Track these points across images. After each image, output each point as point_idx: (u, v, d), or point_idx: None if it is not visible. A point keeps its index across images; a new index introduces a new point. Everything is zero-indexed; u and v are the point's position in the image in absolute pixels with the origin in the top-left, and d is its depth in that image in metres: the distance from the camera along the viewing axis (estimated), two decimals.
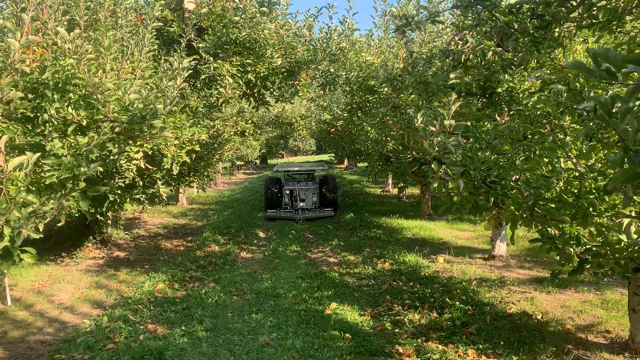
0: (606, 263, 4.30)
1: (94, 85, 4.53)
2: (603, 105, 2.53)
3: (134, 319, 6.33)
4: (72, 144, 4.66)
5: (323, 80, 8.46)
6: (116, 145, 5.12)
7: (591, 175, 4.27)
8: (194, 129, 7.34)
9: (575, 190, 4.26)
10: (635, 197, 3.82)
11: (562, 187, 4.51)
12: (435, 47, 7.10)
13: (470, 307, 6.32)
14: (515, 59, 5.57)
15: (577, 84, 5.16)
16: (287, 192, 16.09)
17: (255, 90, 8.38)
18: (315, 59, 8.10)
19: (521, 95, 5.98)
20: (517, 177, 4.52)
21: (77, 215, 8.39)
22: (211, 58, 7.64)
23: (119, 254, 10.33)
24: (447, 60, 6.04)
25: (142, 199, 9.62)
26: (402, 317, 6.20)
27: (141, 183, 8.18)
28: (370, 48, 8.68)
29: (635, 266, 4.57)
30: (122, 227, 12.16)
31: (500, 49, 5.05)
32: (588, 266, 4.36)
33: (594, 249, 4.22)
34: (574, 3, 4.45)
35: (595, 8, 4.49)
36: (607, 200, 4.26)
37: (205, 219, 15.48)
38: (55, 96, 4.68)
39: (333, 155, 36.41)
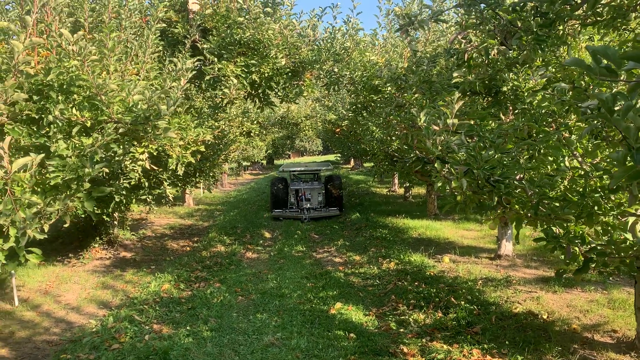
0: (611, 262, 4.27)
1: (98, 86, 4.56)
2: (604, 103, 2.52)
3: (140, 319, 6.36)
4: (77, 145, 4.69)
5: (327, 80, 8.47)
6: (121, 146, 5.14)
7: (596, 173, 4.24)
8: (199, 129, 7.36)
9: (580, 189, 4.24)
10: None
11: (567, 186, 4.48)
12: (440, 46, 7.09)
13: (475, 307, 6.30)
14: (519, 57, 5.55)
15: (582, 82, 5.14)
16: (293, 191, 16.14)
17: (259, 91, 8.40)
18: (319, 59, 8.11)
19: (526, 94, 5.95)
20: (521, 176, 4.51)
21: (83, 216, 8.45)
22: (215, 59, 7.66)
23: (125, 254, 10.37)
24: (452, 59, 6.03)
25: (148, 199, 9.65)
26: (407, 317, 6.18)
27: (147, 184, 8.21)
28: (375, 48, 8.68)
29: None
30: (128, 228, 12.21)
31: (504, 47, 5.03)
32: (593, 265, 4.33)
33: (599, 247, 4.19)
34: (578, 0, 4.42)
35: (599, 5, 4.46)
36: (613, 198, 4.23)
37: (212, 219, 15.52)
38: (60, 98, 4.71)
39: (339, 155, 36.42)
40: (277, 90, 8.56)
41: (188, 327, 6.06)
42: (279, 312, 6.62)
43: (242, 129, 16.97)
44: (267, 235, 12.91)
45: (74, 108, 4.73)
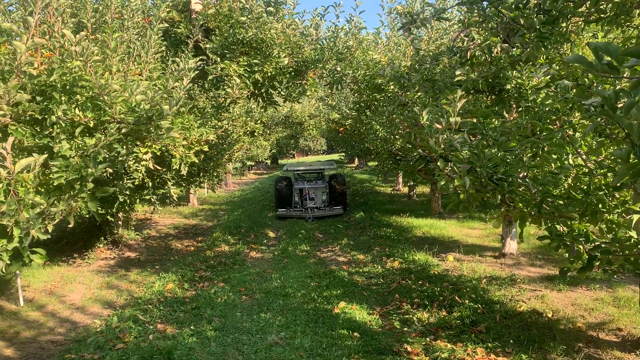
0: (616, 260, 4.25)
1: (101, 87, 4.57)
2: (607, 100, 2.50)
3: (144, 318, 6.37)
4: (80, 146, 4.70)
5: (330, 79, 8.46)
6: (124, 147, 5.15)
7: (601, 171, 4.22)
8: (202, 129, 7.37)
9: (585, 187, 4.22)
10: None
11: (571, 184, 4.46)
12: (443, 45, 7.07)
13: (479, 306, 6.28)
14: (522, 55, 5.53)
15: (586, 80, 5.11)
16: (297, 191, 16.16)
17: (262, 90, 8.40)
18: (322, 58, 8.10)
19: (529, 92, 5.93)
20: (525, 174, 4.49)
21: (87, 216, 8.48)
22: (218, 58, 7.66)
23: (129, 254, 10.40)
24: (454, 57, 6.01)
25: (152, 199, 9.67)
26: (410, 316, 6.17)
27: (151, 184, 8.22)
28: (378, 46, 8.67)
29: None
30: (133, 228, 12.25)
31: (507, 45, 5.01)
32: (597, 263, 4.31)
33: (603, 245, 4.17)
34: None
35: (602, 2, 4.43)
36: (617, 196, 4.21)
37: (216, 219, 15.54)
38: (63, 98, 4.72)
39: (343, 154, 36.40)
40: (280, 90, 8.57)
41: (192, 327, 6.07)
42: (283, 312, 6.62)
43: (246, 128, 16.99)
44: (271, 234, 12.92)
45: (77, 108, 4.74)
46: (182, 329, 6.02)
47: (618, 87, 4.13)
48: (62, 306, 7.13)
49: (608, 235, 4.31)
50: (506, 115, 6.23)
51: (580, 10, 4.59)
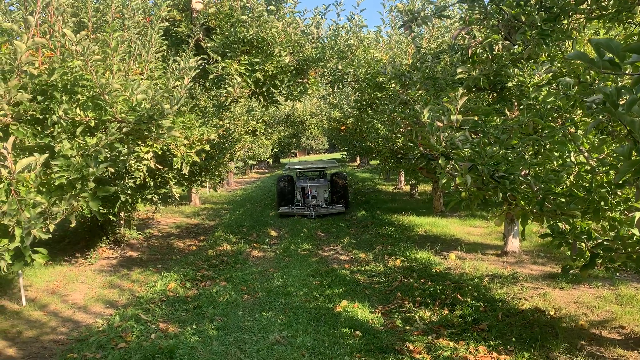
0: (618, 258, 4.23)
1: (101, 86, 4.57)
2: (608, 96, 2.49)
3: (146, 318, 6.38)
4: (81, 145, 4.70)
5: (331, 77, 8.45)
6: (125, 146, 5.15)
7: (603, 168, 4.21)
8: (204, 128, 7.37)
9: (587, 185, 4.20)
10: None
11: (573, 181, 4.45)
12: (444, 43, 7.05)
13: (481, 304, 6.27)
14: (523, 52, 5.51)
15: (588, 77, 5.10)
16: (299, 189, 16.23)
17: (264, 89, 8.39)
18: (323, 57, 8.09)
19: (531, 89, 5.91)
20: (527, 171, 4.47)
21: (89, 215, 8.48)
22: (219, 57, 7.65)
23: (132, 254, 10.41)
24: (456, 55, 5.99)
25: (154, 199, 9.68)
26: (412, 314, 6.17)
27: (152, 183, 8.22)
28: (379, 45, 8.65)
29: None
30: (135, 227, 12.25)
31: (508, 42, 5.00)
32: (599, 261, 4.30)
33: (605, 243, 4.16)
34: None
35: None
36: (619, 194, 4.20)
37: (218, 218, 15.55)
38: (64, 98, 4.72)
39: (345, 153, 36.37)
40: (281, 89, 8.56)
41: (194, 326, 6.07)
42: (285, 310, 6.62)
43: (247, 127, 16.98)
44: (273, 233, 12.92)
45: (77, 108, 4.74)
46: (184, 328, 6.02)
47: (620, 84, 4.12)
48: (64, 306, 7.14)
49: (610, 233, 4.30)
50: (508, 113, 6.21)
51: (581, 7, 4.57)
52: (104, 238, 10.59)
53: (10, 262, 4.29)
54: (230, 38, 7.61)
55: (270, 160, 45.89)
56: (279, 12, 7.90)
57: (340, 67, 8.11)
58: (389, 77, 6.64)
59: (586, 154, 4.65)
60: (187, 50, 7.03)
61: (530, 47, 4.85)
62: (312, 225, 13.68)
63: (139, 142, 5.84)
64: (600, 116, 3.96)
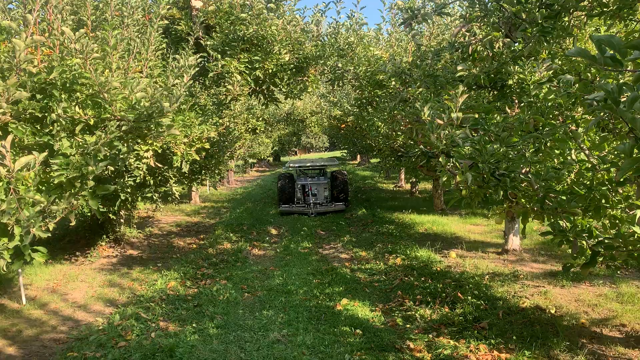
0: (619, 255, 4.22)
1: (101, 84, 4.55)
2: (610, 94, 2.47)
3: (146, 316, 6.37)
4: (80, 143, 4.69)
5: (332, 75, 8.43)
6: (125, 144, 5.14)
7: (603, 166, 4.19)
8: (203, 126, 7.35)
9: (587, 182, 4.19)
10: None
11: (574, 179, 4.43)
12: (444, 40, 7.03)
13: (482, 302, 6.27)
14: (524, 49, 5.49)
15: (589, 74, 5.08)
16: (300, 187, 16.26)
17: (263, 87, 8.38)
18: (323, 55, 8.07)
19: (531, 87, 5.89)
20: (527, 169, 4.46)
21: (89, 214, 8.48)
22: (219, 55, 7.64)
23: (132, 252, 10.40)
24: (456, 53, 5.97)
25: (154, 197, 9.66)
26: (413, 313, 6.16)
27: (152, 182, 8.20)
28: (379, 42, 8.62)
29: None
30: (135, 226, 12.24)
31: (509, 39, 4.98)
32: (601, 259, 4.29)
33: (606, 241, 4.15)
34: None
35: None
36: (620, 191, 4.19)
37: (218, 216, 15.54)
38: (63, 96, 4.70)
39: (345, 151, 36.32)
40: (281, 87, 8.55)
41: (194, 325, 6.06)
42: (285, 309, 6.61)
43: (248, 125, 16.96)
44: (274, 231, 12.91)
45: (77, 106, 4.73)
46: (184, 327, 6.01)
47: (621, 81, 4.10)
48: (65, 304, 7.13)
49: (611, 231, 4.29)
50: (508, 110, 6.19)
51: (582, 4, 4.55)
52: (104, 236, 10.57)
53: (9, 260, 4.28)
54: (230, 36, 7.60)
55: (271, 159, 45.85)
56: (278, 10, 7.89)
57: (340, 65, 8.09)
58: (389, 74, 6.62)
59: (587, 152, 4.63)
60: (187, 49, 7.01)
61: (531, 44, 4.83)
62: (313, 224, 13.67)
63: (139, 141, 5.82)
64: (601, 114, 3.94)
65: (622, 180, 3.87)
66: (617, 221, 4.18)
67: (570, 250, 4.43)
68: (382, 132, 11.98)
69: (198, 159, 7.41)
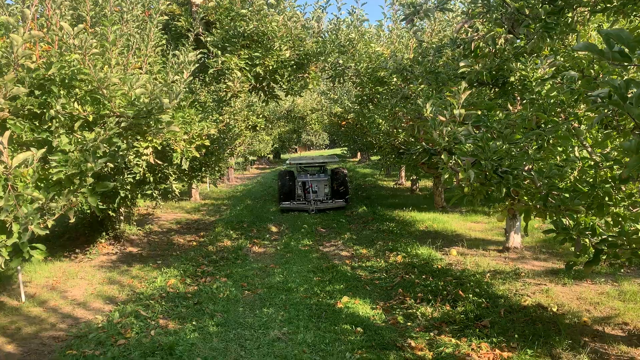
0: (623, 254, 4.19)
1: (99, 80, 4.51)
2: (617, 89, 2.43)
3: (146, 314, 6.33)
4: (79, 140, 4.65)
5: (332, 72, 8.38)
6: (124, 141, 5.10)
7: (607, 164, 4.15)
8: (203, 123, 7.31)
9: (590, 180, 4.15)
10: None
11: (577, 177, 4.39)
12: (446, 37, 6.98)
13: (484, 300, 6.23)
14: (527, 46, 5.45)
15: (592, 71, 5.03)
16: (300, 184, 16.27)
17: (264, 84, 8.34)
18: (324, 51, 8.02)
19: (534, 84, 5.85)
20: (530, 167, 4.42)
21: (89, 211, 8.43)
22: (219, 52, 7.59)
23: (132, 249, 10.37)
24: (458, 49, 5.92)
25: (154, 194, 9.62)
26: (414, 311, 6.12)
27: (152, 179, 8.16)
28: (380, 39, 8.57)
29: None
30: (135, 223, 12.21)
31: (512, 35, 4.93)
32: (604, 257, 4.25)
33: (610, 239, 4.11)
34: None
35: None
36: (624, 189, 4.15)
37: (218, 214, 15.50)
38: (62, 92, 4.66)
39: (346, 149, 36.27)
40: (281, 83, 8.50)
41: (194, 322, 6.03)
42: (286, 307, 6.58)
43: (248, 122, 16.92)
44: (274, 229, 12.88)
45: (75, 102, 4.69)
46: (184, 325, 5.98)
47: (625, 77, 4.05)
48: (64, 302, 7.10)
49: (614, 229, 4.25)
50: (510, 107, 6.15)
51: (586, 0, 4.51)
52: (104, 234, 10.54)
53: (8, 258, 4.25)
54: (230, 32, 7.55)
55: (271, 156, 45.81)
56: (279, 6, 7.84)
57: (341, 62, 8.04)
58: (390, 71, 6.58)
59: (589, 149, 4.59)
60: (187, 45, 6.97)
61: (534, 40, 4.79)
62: (313, 221, 13.63)
63: (138, 137, 5.78)
64: (605, 110, 3.91)
65: (626, 177, 3.83)
66: (619, 219, 4.14)
67: (572, 248, 4.40)
68: (383, 129, 11.93)
69: (198, 156, 7.37)
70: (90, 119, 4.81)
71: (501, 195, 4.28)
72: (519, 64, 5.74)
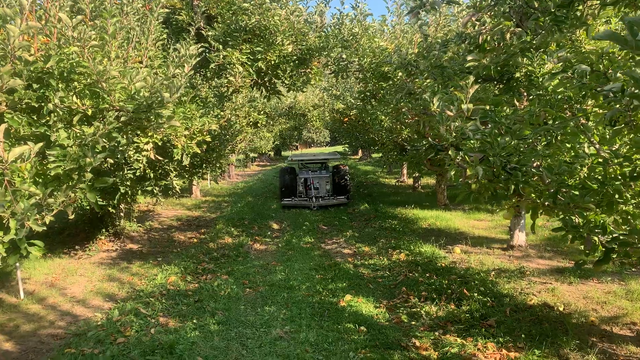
0: (634, 253, 4.09)
1: (99, 73, 4.41)
2: (637, 81, 2.33)
3: (146, 312, 6.24)
4: (78, 134, 4.54)
5: (335, 67, 8.26)
6: (124, 136, 4.99)
7: (616, 160, 4.05)
8: (205, 119, 7.21)
9: (599, 177, 4.05)
10: None
11: (586, 174, 4.30)
12: (451, 31, 6.86)
13: (489, 299, 6.14)
14: (534, 41, 5.33)
15: (601, 66, 4.92)
16: (302, 180, 16.24)
17: (266, 79, 8.23)
18: (327, 46, 7.90)
19: (540, 80, 5.74)
20: (538, 163, 4.32)
21: (88, 208, 8.35)
22: (221, 46, 7.48)
23: (132, 246, 10.28)
24: (464, 44, 5.81)
25: (155, 191, 9.53)
26: (418, 310, 6.03)
27: (152, 175, 8.06)
28: (384, 34, 8.45)
29: None
30: (135, 220, 12.12)
31: (520, 29, 4.81)
32: (614, 256, 4.16)
33: (621, 238, 4.01)
34: None
35: None
36: (633, 186, 4.05)
37: (219, 210, 15.41)
38: (60, 85, 4.56)
39: (347, 146, 36.19)
40: (283, 79, 8.39)
41: (195, 320, 5.94)
42: (288, 305, 6.49)
43: (249, 119, 16.83)
44: (275, 226, 12.78)
45: (74, 96, 4.58)
46: (184, 323, 5.89)
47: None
48: (63, 299, 7.01)
49: (623, 227, 4.15)
50: (517, 103, 6.04)
51: None
52: (104, 230, 10.45)
53: (5, 254, 4.15)
54: (232, 26, 7.44)
55: (272, 153, 45.72)
56: (281, 0, 7.72)
57: (344, 56, 7.92)
58: (395, 66, 6.46)
59: (597, 146, 4.49)
60: (188, 39, 6.86)
61: (543, 34, 4.68)
62: (314, 218, 13.54)
63: (138, 132, 5.68)
64: (617, 105, 3.80)
65: (635, 174, 3.74)
66: (629, 217, 4.05)
67: (582, 247, 4.30)
68: (386, 125, 11.83)
69: (199, 152, 7.27)
70: (89, 113, 4.70)
71: (509, 192, 4.19)
72: (524, 59, 5.63)
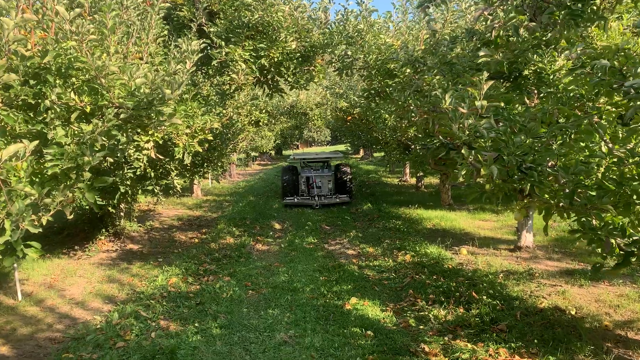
0: None
1: (97, 68, 4.25)
2: None
3: (146, 315, 6.09)
4: (76, 132, 4.39)
5: (339, 64, 8.09)
6: (124, 134, 4.83)
7: (632, 160, 3.89)
8: (206, 117, 7.05)
9: (616, 177, 3.89)
10: None
11: (602, 174, 4.13)
12: (459, 27, 6.69)
13: (498, 302, 5.97)
14: (544, 38, 5.17)
15: (616, 62, 4.75)
16: (304, 179, 16.13)
17: (269, 77, 8.07)
18: (331, 43, 7.74)
19: (551, 77, 5.58)
20: (553, 162, 4.16)
21: (88, 207, 8.19)
22: (223, 43, 7.31)
23: (132, 246, 10.13)
24: (473, 40, 5.64)
25: (155, 190, 9.38)
26: (426, 313, 5.87)
27: (153, 174, 7.90)
28: (389, 31, 8.28)
29: None
30: (135, 220, 11.96)
31: (534, 23, 4.65)
32: (634, 259, 3.99)
33: None
34: None
35: None
36: None
37: (220, 210, 15.25)
38: (57, 81, 4.40)
39: (349, 145, 36.02)
40: (287, 76, 8.22)
41: (196, 324, 5.78)
42: (292, 308, 6.32)
43: (251, 118, 16.69)
44: (277, 226, 12.62)
45: (72, 92, 4.42)
46: (186, 326, 5.73)
47: None
48: (62, 301, 6.86)
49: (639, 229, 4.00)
50: (527, 101, 5.88)
51: None
52: (104, 230, 10.29)
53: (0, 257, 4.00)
54: (235, 22, 7.28)
55: (273, 152, 45.57)
56: None
57: (349, 53, 7.75)
58: (401, 63, 6.30)
59: (610, 145, 4.33)
60: (190, 35, 6.70)
61: (558, 28, 4.51)
62: (317, 218, 13.38)
63: (139, 130, 5.52)
64: (638, 102, 3.65)
65: None
66: None
67: (599, 250, 4.14)
68: (390, 124, 11.67)
69: (200, 150, 7.11)
70: (88, 110, 4.54)
71: (526, 193, 4.03)
72: (535, 56, 5.47)
